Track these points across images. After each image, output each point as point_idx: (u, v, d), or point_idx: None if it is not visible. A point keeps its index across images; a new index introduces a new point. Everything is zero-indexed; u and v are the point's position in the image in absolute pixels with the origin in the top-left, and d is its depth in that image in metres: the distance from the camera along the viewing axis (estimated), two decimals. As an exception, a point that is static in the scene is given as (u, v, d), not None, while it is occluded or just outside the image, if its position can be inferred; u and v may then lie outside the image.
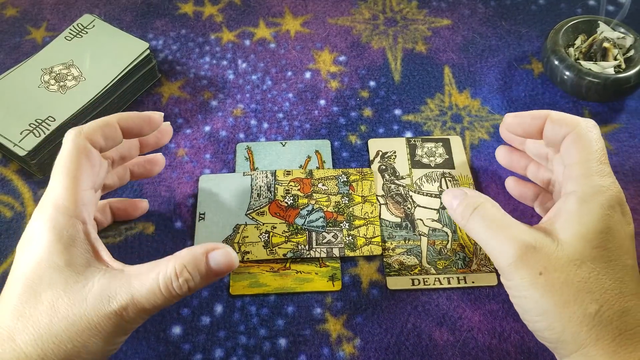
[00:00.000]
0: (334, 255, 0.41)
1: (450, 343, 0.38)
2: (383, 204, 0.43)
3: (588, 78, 0.46)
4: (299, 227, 0.42)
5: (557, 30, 0.49)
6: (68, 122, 0.44)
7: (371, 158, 0.46)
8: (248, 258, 0.40)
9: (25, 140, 0.42)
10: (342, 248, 0.41)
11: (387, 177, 0.45)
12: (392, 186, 0.44)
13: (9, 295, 0.30)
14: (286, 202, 0.43)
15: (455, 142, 0.47)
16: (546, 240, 0.31)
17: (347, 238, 0.41)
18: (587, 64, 0.48)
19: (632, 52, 0.48)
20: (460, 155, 0.46)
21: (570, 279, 0.30)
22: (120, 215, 0.42)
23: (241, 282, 0.40)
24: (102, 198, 0.41)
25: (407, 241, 0.42)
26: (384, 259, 0.41)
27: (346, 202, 0.43)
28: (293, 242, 0.41)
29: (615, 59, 0.48)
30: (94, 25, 0.50)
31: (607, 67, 0.47)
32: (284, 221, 0.42)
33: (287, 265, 0.40)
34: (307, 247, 0.41)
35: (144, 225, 0.42)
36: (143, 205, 0.43)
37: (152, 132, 0.37)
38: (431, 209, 0.43)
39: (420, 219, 0.43)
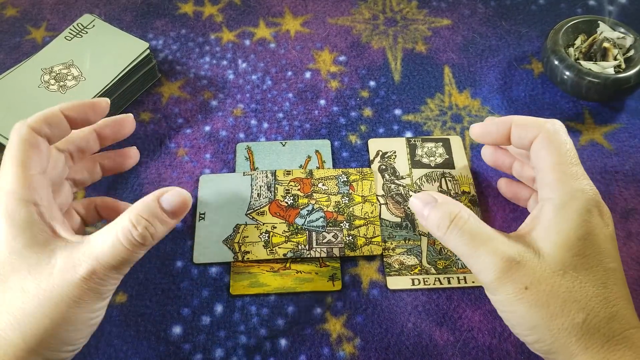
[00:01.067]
0: (334, 255, 0.41)
1: (451, 343, 0.38)
2: (383, 204, 0.43)
3: (588, 78, 0.46)
4: (299, 227, 0.42)
5: (557, 30, 0.49)
6: None
7: (371, 158, 0.46)
8: (248, 258, 0.40)
9: None
10: (342, 248, 0.41)
11: (387, 177, 0.45)
12: (392, 186, 0.44)
13: None
14: (286, 202, 0.43)
15: (455, 142, 0.47)
16: (528, 253, 0.31)
17: (347, 238, 0.41)
18: (587, 64, 0.48)
19: (632, 52, 0.48)
20: (460, 155, 0.46)
21: (555, 290, 0.30)
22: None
23: (241, 282, 0.40)
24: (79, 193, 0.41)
25: (407, 241, 0.42)
26: (384, 259, 0.41)
27: (346, 202, 0.43)
28: (293, 242, 0.41)
29: (615, 59, 0.48)
30: (94, 25, 0.50)
31: (607, 67, 0.47)
32: (284, 221, 0.42)
33: (287, 265, 0.41)
34: (307, 247, 0.41)
35: (144, 225, 0.42)
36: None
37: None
38: (431, 208, 0.43)
39: (421, 219, 0.43)
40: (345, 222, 0.42)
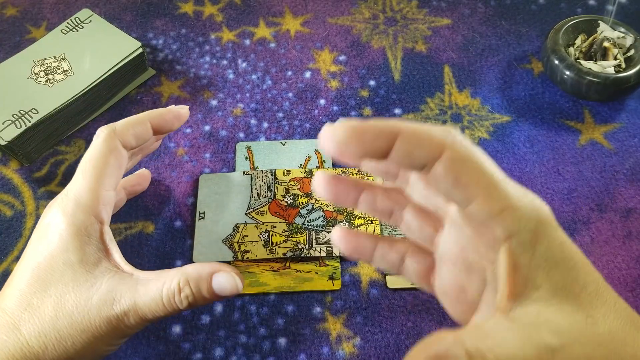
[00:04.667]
0: (334, 254, 0.41)
1: (450, 342, 0.37)
2: (383, 203, 0.43)
3: (588, 77, 0.46)
4: (298, 226, 0.42)
5: (557, 29, 0.49)
6: (50, 116, 0.44)
7: (371, 157, 0.46)
8: (248, 257, 0.40)
9: (6, 130, 0.43)
10: (342, 247, 0.41)
11: (387, 176, 0.45)
12: (392, 185, 0.44)
13: (18, 282, 0.30)
14: (286, 202, 0.43)
15: (455, 141, 0.47)
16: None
17: (347, 237, 0.41)
18: (587, 64, 0.48)
19: (632, 52, 0.48)
20: (460, 155, 0.46)
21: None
22: (134, 192, 0.43)
23: (241, 281, 0.40)
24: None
25: (407, 240, 0.42)
26: (384, 258, 0.41)
27: (346, 201, 0.43)
28: (293, 241, 0.41)
29: (615, 59, 0.48)
30: (90, 21, 0.50)
31: (607, 67, 0.47)
32: (283, 220, 0.42)
33: (287, 264, 0.40)
34: (306, 246, 0.41)
35: (144, 225, 0.42)
36: (146, 174, 0.43)
37: (178, 126, 0.37)
38: (431, 208, 0.43)
39: (420, 218, 0.42)
40: (344, 221, 0.42)
